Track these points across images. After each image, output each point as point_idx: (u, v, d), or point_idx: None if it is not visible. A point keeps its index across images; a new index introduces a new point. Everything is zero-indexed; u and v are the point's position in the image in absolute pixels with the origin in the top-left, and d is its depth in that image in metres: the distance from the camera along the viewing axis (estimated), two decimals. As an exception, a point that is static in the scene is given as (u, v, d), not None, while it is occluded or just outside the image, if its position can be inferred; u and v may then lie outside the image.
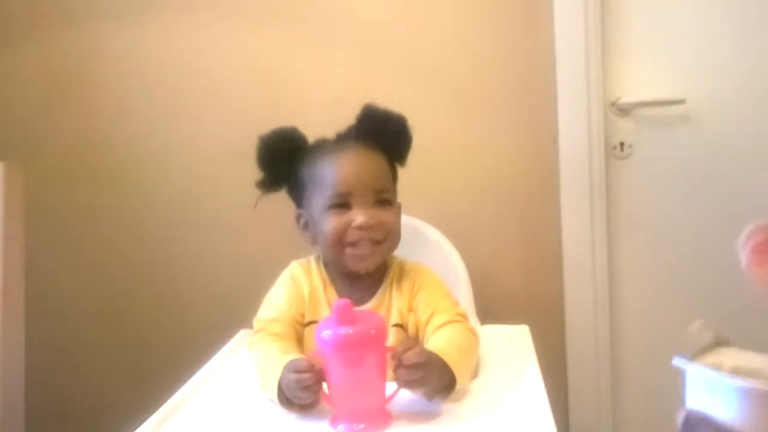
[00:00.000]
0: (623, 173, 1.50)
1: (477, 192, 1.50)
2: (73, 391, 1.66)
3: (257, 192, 1.05)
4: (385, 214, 0.99)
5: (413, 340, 1.00)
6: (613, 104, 1.48)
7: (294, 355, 0.92)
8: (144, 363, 1.62)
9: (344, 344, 0.81)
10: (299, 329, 1.04)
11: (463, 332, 0.97)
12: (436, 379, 0.86)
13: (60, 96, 1.58)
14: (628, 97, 1.48)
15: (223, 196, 1.54)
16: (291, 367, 0.86)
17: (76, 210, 1.61)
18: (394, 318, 1.03)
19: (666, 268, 1.53)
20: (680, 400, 0.65)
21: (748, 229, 0.73)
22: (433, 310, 1.00)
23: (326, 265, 1.07)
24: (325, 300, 1.04)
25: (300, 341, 1.02)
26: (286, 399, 0.88)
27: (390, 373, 0.85)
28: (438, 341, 0.92)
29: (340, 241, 0.99)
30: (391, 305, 1.04)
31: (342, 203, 0.98)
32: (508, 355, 1.07)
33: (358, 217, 0.97)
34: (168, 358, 1.51)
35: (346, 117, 1.06)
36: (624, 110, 1.49)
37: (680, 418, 0.63)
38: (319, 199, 1.00)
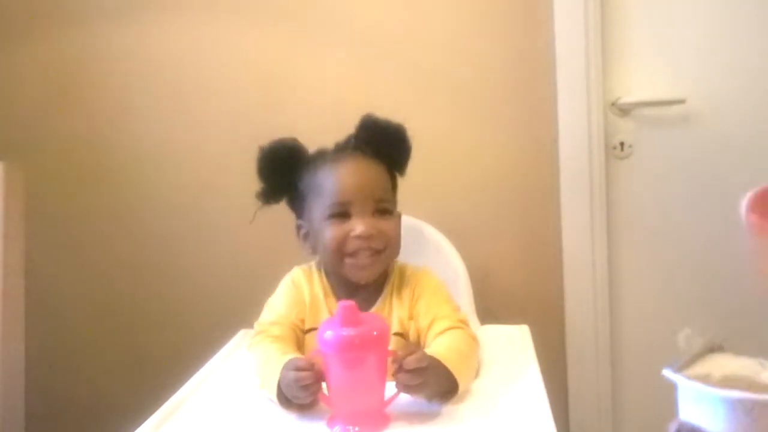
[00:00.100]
0: (623, 173, 1.50)
1: (477, 192, 1.50)
2: (73, 391, 1.66)
3: (257, 192, 1.05)
4: (384, 224, 0.99)
5: (414, 345, 1.00)
6: (613, 104, 1.48)
7: (293, 354, 0.93)
8: (144, 363, 1.62)
9: (346, 345, 0.81)
10: (299, 334, 1.04)
11: (463, 338, 0.97)
12: (437, 385, 0.86)
13: (60, 96, 1.58)
14: (628, 97, 1.48)
15: (223, 195, 1.54)
16: (290, 366, 0.86)
17: (76, 210, 1.61)
18: (395, 326, 1.02)
19: (666, 267, 1.53)
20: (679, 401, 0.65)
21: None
22: (434, 317, 1.00)
23: (327, 274, 1.07)
24: (326, 307, 1.04)
25: (300, 346, 1.02)
26: (285, 398, 0.88)
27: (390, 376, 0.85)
28: (439, 347, 0.92)
29: (339, 251, 0.99)
30: (391, 314, 1.04)
31: (342, 213, 0.98)
32: (508, 355, 1.07)
33: (358, 226, 0.97)
34: (168, 358, 1.51)
35: (346, 117, 1.05)
36: (624, 110, 1.49)
37: (672, 429, 0.62)
38: (318, 208, 1.00)
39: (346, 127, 1.06)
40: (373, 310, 1.04)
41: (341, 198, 0.98)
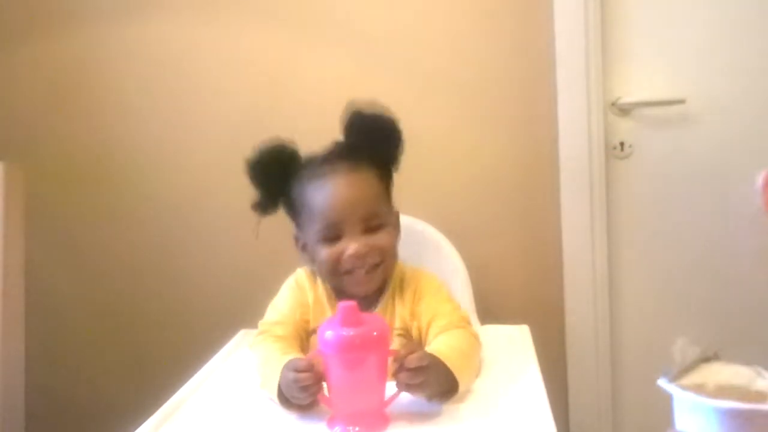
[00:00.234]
0: (623, 173, 1.50)
1: (477, 192, 1.50)
2: (73, 391, 1.66)
3: (252, 203, 1.05)
4: (377, 238, 0.99)
5: (416, 344, 1.00)
6: (613, 104, 1.48)
7: (294, 355, 0.93)
8: (144, 363, 1.62)
9: (346, 346, 0.81)
10: (303, 334, 1.04)
11: (464, 337, 0.97)
12: (437, 384, 0.86)
13: (60, 96, 1.58)
14: (628, 97, 1.48)
15: (223, 194, 1.54)
16: (291, 366, 0.86)
17: (76, 210, 1.61)
18: (397, 326, 1.03)
19: (666, 267, 1.53)
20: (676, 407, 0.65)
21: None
22: (435, 315, 1.00)
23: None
24: (329, 309, 1.04)
25: (303, 346, 1.02)
26: (285, 399, 0.88)
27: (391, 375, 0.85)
28: (440, 345, 0.92)
29: (336, 270, 1.00)
30: (393, 314, 1.04)
31: (333, 235, 0.98)
32: (508, 355, 1.07)
33: (350, 247, 0.97)
34: (168, 358, 1.51)
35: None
36: (624, 110, 1.49)
37: None
38: (310, 229, 1.01)
39: (335, 141, 1.05)
40: (376, 310, 1.04)
41: (330, 221, 0.98)
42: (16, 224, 1.23)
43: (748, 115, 1.46)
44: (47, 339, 1.60)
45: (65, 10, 1.55)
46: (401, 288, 1.05)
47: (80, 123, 1.58)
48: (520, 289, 1.53)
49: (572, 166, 1.46)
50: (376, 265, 1.00)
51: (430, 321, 1.00)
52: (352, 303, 0.83)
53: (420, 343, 1.01)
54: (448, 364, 0.87)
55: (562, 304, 1.51)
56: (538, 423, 0.84)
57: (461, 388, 0.89)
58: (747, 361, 0.67)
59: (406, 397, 0.85)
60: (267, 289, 1.08)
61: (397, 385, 0.84)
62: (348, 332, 0.81)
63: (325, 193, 0.99)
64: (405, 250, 1.09)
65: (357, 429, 0.83)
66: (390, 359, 0.84)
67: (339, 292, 1.04)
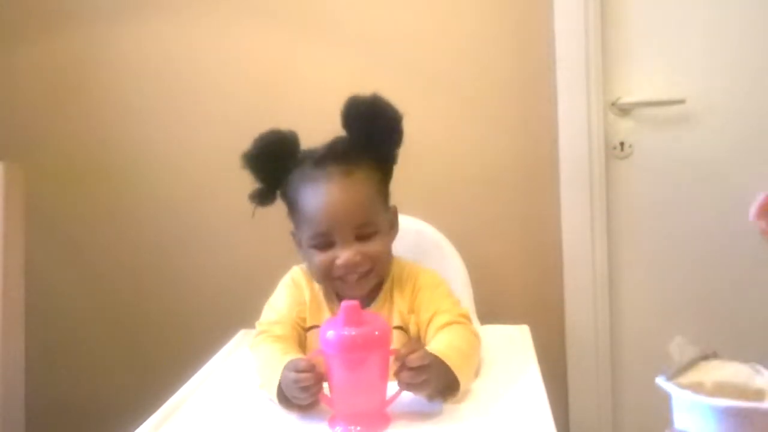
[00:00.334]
0: (623, 173, 1.50)
1: (477, 192, 1.50)
2: (73, 391, 1.66)
3: (250, 193, 1.04)
4: (370, 246, 0.98)
5: (416, 342, 1.00)
6: (613, 104, 1.48)
7: (294, 355, 0.93)
8: (144, 363, 1.62)
9: (348, 346, 0.81)
10: (301, 332, 1.04)
11: (464, 334, 0.97)
12: (439, 383, 0.86)
13: (60, 96, 1.58)
14: (628, 97, 1.48)
15: (223, 194, 1.54)
16: (291, 367, 0.86)
17: (76, 210, 1.61)
18: (396, 320, 1.03)
19: (666, 267, 1.53)
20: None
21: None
22: (435, 311, 1.00)
23: None
24: (326, 304, 1.04)
25: (302, 344, 1.02)
26: (285, 399, 0.88)
27: (392, 374, 0.85)
28: (439, 344, 0.92)
29: (328, 276, 1.00)
30: (392, 308, 1.04)
31: (324, 242, 0.98)
32: (508, 355, 1.07)
33: (341, 256, 0.97)
34: (168, 358, 1.51)
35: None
36: (624, 110, 1.49)
37: None
38: (303, 233, 1.00)
39: (332, 138, 1.04)
40: (374, 305, 1.04)
41: (322, 229, 0.97)
42: (16, 224, 1.23)
43: (748, 115, 1.46)
44: (47, 339, 1.60)
45: (65, 10, 1.55)
46: (400, 283, 1.05)
47: (80, 123, 1.58)
48: (520, 289, 1.53)
49: (572, 166, 1.46)
50: (368, 272, 1.00)
51: (430, 318, 1.00)
52: (354, 302, 0.83)
53: (419, 339, 1.01)
54: (449, 363, 0.87)
55: (562, 304, 1.51)
56: (538, 423, 0.84)
57: (462, 386, 0.89)
58: (747, 362, 0.67)
59: (407, 396, 0.85)
60: (267, 290, 1.08)
61: (399, 384, 0.84)
62: (350, 332, 0.81)
63: (318, 201, 0.97)
64: (405, 250, 1.09)
65: (358, 428, 0.83)
66: (391, 358, 0.84)
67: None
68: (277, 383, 0.88)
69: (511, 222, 1.51)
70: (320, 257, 0.99)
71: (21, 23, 1.57)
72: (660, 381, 0.62)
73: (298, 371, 0.85)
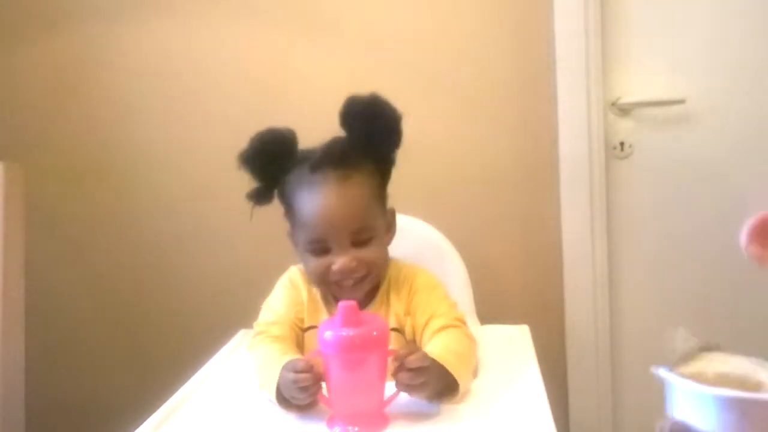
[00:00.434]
0: (623, 173, 1.50)
1: (477, 192, 1.50)
2: (73, 391, 1.66)
3: (248, 192, 1.04)
4: (366, 252, 0.98)
5: (413, 344, 1.00)
6: (613, 104, 1.48)
7: (292, 355, 0.92)
8: (144, 363, 1.62)
9: (346, 346, 0.81)
10: (299, 333, 1.04)
11: (460, 337, 0.96)
12: (437, 384, 0.86)
13: (60, 96, 1.58)
14: (628, 97, 1.48)
15: (223, 194, 1.54)
16: (289, 367, 0.86)
17: (76, 210, 1.61)
18: (392, 322, 1.02)
19: (666, 267, 1.53)
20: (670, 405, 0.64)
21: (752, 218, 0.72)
22: (431, 314, 0.99)
23: None
24: (324, 305, 1.04)
25: (300, 344, 1.02)
26: (284, 399, 0.88)
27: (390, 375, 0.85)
28: (436, 347, 0.91)
29: (324, 280, 0.99)
30: (388, 310, 1.03)
31: (320, 248, 0.98)
32: (508, 355, 1.07)
33: (336, 262, 0.96)
34: (168, 358, 1.51)
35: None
36: (624, 110, 1.49)
37: (663, 428, 0.62)
38: (299, 236, 1.00)
39: (330, 139, 1.03)
40: (370, 307, 1.03)
41: (318, 235, 0.97)
42: (16, 224, 1.23)
43: (748, 115, 1.46)
44: (47, 339, 1.60)
45: (65, 10, 1.55)
46: (397, 285, 1.05)
47: (80, 123, 1.58)
48: (520, 289, 1.53)
49: (572, 166, 1.46)
50: (364, 277, 0.99)
51: (426, 321, 0.99)
52: (352, 303, 0.83)
53: (414, 340, 1.01)
54: (447, 365, 0.87)
55: (562, 304, 1.51)
56: (538, 423, 0.84)
57: (460, 389, 0.89)
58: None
59: (405, 397, 0.85)
60: (267, 290, 1.08)
61: (397, 385, 0.84)
62: (348, 332, 0.81)
63: (314, 207, 0.97)
64: (405, 250, 1.09)
65: (356, 429, 0.83)
66: (390, 359, 0.84)
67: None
68: (275, 384, 0.87)
69: (511, 222, 1.51)
70: (316, 262, 0.98)
71: (21, 23, 1.58)
72: (659, 370, 0.62)
73: (296, 372, 0.85)
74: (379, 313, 1.02)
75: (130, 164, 1.58)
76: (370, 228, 0.99)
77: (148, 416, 0.90)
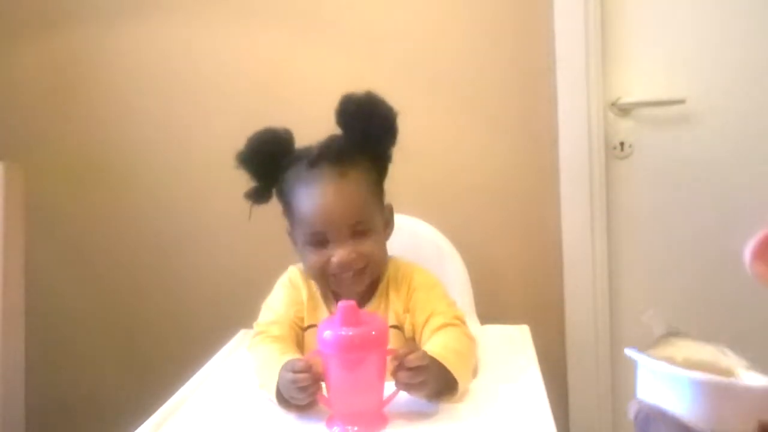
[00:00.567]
0: (623, 173, 1.50)
1: (477, 192, 1.50)
2: (72, 391, 1.66)
3: (246, 192, 1.04)
4: (364, 245, 0.98)
5: (413, 343, 1.00)
6: (613, 104, 1.48)
7: (292, 355, 0.93)
8: (144, 363, 1.62)
9: (345, 346, 0.81)
10: (299, 332, 1.04)
11: (460, 336, 0.96)
12: (437, 384, 0.86)
13: (60, 96, 1.58)
14: (628, 97, 1.48)
15: (222, 194, 1.53)
16: (288, 367, 0.86)
17: (76, 210, 1.61)
18: (391, 320, 1.02)
19: (666, 267, 1.53)
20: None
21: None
22: (430, 313, 1.00)
23: None
24: (324, 304, 1.04)
25: (300, 344, 1.02)
26: (283, 399, 0.88)
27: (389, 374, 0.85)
28: (435, 346, 0.92)
29: (323, 274, 1.00)
30: (388, 307, 1.04)
31: (319, 241, 0.98)
32: (508, 355, 1.07)
33: (336, 255, 0.97)
34: (168, 358, 1.51)
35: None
36: (624, 110, 1.49)
37: (632, 410, 0.62)
38: (298, 232, 1.00)
39: (327, 137, 1.03)
40: (370, 304, 1.03)
41: (316, 228, 0.97)
42: (16, 224, 1.23)
43: (748, 115, 1.46)
44: (47, 339, 1.60)
45: (65, 10, 1.55)
46: (396, 282, 1.05)
47: (80, 123, 1.58)
48: (520, 289, 1.53)
49: (572, 166, 1.46)
50: (363, 270, 0.99)
51: (426, 320, 0.99)
52: (351, 302, 0.83)
53: (413, 339, 1.01)
54: (447, 364, 0.87)
55: (562, 304, 1.51)
56: (538, 423, 0.84)
57: (460, 387, 0.89)
58: (749, 360, 0.67)
59: (404, 396, 0.85)
60: (266, 290, 1.08)
61: (396, 384, 0.84)
62: (347, 332, 0.81)
63: (313, 202, 0.98)
64: (406, 251, 1.09)
65: (356, 429, 0.83)
66: (389, 358, 0.84)
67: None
68: (275, 384, 0.88)
69: (511, 222, 1.51)
70: (315, 256, 0.99)
71: (21, 23, 1.58)
72: (630, 352, 0.63)
73: (294, 372, 0.85)
74: (378, 310, 1.03)
75: (130, 164, 1.58)
76: (369, 221, 0.99)
77: (148, 416, 0.90)
